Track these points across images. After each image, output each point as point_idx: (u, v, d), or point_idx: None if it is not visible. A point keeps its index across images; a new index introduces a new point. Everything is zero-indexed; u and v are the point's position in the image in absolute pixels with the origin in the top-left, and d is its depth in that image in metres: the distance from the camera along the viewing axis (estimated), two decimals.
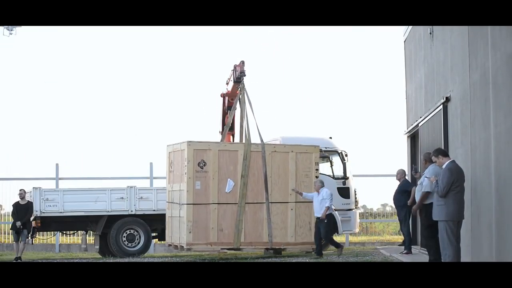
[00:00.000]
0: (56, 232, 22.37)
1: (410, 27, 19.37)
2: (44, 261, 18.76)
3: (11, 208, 19.84)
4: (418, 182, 13.61)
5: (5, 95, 43.41)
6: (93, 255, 21.06)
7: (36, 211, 19.27)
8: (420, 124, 17.74)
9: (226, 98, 20.42)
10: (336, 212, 20.17)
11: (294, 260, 16.12)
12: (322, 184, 17.19)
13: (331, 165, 20.16)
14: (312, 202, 17.16)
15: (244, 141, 17.38)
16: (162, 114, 43.94)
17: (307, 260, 15.85)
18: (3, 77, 44.27)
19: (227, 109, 20.08)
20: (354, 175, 21.20)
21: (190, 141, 16.69)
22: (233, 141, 20.25)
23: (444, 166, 11.85)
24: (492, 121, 11.34)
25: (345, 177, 20.17)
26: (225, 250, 17.10)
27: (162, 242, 21.11)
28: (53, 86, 43.72)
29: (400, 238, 23.73)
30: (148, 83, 44.43)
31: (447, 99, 14.62)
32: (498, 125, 11.02)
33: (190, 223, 16.48)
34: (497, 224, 11.18)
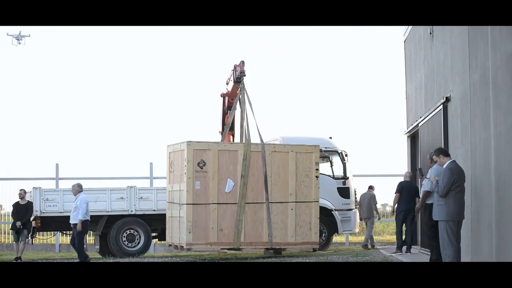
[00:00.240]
0: (56, 232, 22.37)
1: (410, 27, 19.37)
2: (44, 261, 18.77)
3: (11, 208, 19.86)
4: (422, 183, 13.65)
5: (6, 95, 43.42)
6: (93, 255, 21.05)
7: (36, 211, 19.28)
8: (420, 124, 17.74)
9: (226, 98, 20.42)
10: (336, 212, 20.21)
11: (294, 260, 16.12)
12: (80, 189, 17.02)
13: (331, 165, 20.18)
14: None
15: (244, 141, 17.38)
16: (162, 114, 43.95)
17: (307, 260, 15.86)
18: (3, 77, 44.29)
19: (227, 109, 20.08)
20: (354, 175, 21.22)
21: (190, 141, 16.69)
22: (233, 141, 20.25)
23: (444, 166, 11.86)
24: (492, 121, 11.34)
25: (345, 177, 20.19)
26: (225, 250, 17.10)
27: (162, 242, 21.12)
28: (53, 86, 43.73)
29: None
30: (148, 83, 44.43)
31: (447, 99, 14.62)
32: (498, 125, 11.02)
33: (190, 223, 16.47)
34: (497, 224, 11.18)
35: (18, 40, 29.00)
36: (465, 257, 12.56)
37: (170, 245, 17.71)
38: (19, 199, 19.43)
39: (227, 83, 20.35)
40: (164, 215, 18.10)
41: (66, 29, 43.24)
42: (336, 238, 23.72)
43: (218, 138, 20.72)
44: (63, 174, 24.35)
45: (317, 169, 17.55)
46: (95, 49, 45.14)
